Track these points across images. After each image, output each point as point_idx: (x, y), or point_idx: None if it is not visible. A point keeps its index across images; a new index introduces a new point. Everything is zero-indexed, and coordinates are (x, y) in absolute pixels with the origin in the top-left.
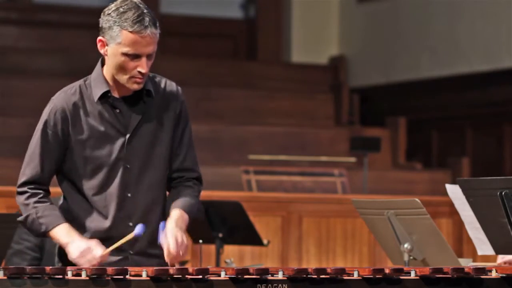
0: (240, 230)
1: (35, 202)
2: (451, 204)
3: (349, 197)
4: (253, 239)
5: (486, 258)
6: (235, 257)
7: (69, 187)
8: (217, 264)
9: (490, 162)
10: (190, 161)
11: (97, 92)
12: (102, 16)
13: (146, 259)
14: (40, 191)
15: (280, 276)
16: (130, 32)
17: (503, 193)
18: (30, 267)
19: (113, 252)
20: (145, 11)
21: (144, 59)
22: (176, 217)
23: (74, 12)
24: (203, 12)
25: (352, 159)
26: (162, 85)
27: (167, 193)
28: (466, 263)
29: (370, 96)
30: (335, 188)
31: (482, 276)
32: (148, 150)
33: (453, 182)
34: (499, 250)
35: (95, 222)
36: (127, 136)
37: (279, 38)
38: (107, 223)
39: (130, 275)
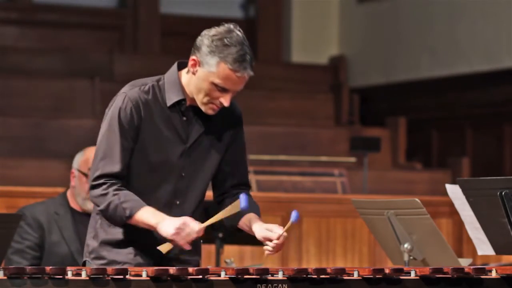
0: (240, 230)
1: (115, 190)
2: (451, 204)
3: (349, 197)
4: (253, 239)
5: (486, 258)
6: (235, 257)
7: None
8: (217, 264)
9: (490, 162)
10: (247, 175)
11: (171, 97)
12: (203, 36)
13: (179, 265)
14: (119, 182)
15: (280, 276)
16: (229, 68)
17: (503, 193)
18: (30, 267)
19: (148, 258)
20: (248, 50)
21: (230, 94)
22: (258, 218)
23: (74, 12)
24: (203, 12)
25: (352, 159)
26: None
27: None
28: (466, 263)
29: (370, 96)
30: (335, 188)
31: (482, 276)
32: (202, 162)
33: (453, 182)
34: (499, 250)
35: None
36: (187, 145)
37: (279, 38)
38: None
39: (130, 275)
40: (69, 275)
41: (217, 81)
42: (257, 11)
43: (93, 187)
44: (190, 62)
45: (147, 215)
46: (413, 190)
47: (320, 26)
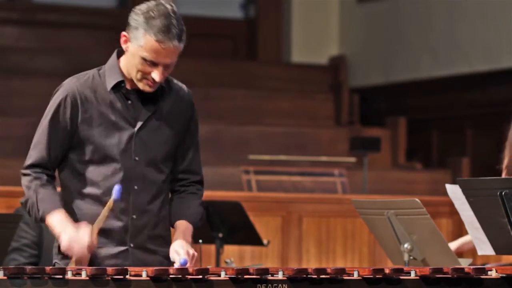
0: (240, 230)
1: (38, 186)
2: (451, 204)
3: (349, 197)
4: (253, 239)
5: (486, 258)
6: (235, 257)
7: (70, 176)
8: (217, 264)
9: (490, 162)
10: (197, 164)
11: (111, 81)
12: (132, 13)
13: (147, 255)
14: (44, 176)
15: (280, 276)
16: (154, 40)
17: (503, 193)
18: (30, 267)
19: (112, 245)
20: (174, 22)
21: (160, 68)
22: (183, 229)
23: (74, 12)
24: (203, 12)
25: (352, 159)
26: (175, 86)
27: (169, 194)
28: (466, 263)
29: (370, 96)
30: (335, 188)
31: (482, 276)
32: (156, 146)
33: (453, 182)
34: (499, 250)
35: (93, 211)
36: (136, 128)
37: (279, 38)
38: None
39: (130, 275)
40: (69, 275)
41: (145, 54)
42: (257, 11)
43: (22, 175)
44: (122, 39)
45: (54, 223)
46: (413, 190)
47: (320, 26)
